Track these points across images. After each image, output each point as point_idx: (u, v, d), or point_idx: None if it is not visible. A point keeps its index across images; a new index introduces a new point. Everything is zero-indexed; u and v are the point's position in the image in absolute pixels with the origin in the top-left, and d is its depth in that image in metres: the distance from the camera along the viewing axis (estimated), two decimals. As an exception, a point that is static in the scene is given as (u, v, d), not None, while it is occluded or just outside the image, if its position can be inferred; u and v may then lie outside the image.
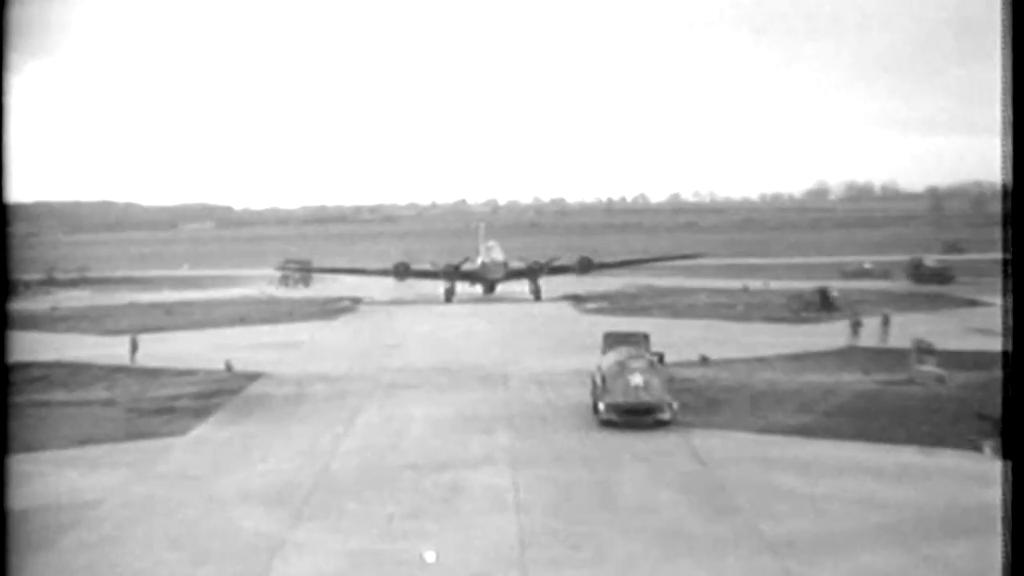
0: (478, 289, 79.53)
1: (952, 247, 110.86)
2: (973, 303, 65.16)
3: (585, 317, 63.47)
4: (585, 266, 79.12)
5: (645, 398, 31.17)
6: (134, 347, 47.58)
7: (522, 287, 78.10)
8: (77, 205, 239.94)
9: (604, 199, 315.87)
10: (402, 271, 78.48)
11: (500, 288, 79.42)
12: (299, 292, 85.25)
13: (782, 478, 25.19)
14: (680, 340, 46.87)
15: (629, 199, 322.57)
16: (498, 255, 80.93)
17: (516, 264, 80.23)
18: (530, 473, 26.11)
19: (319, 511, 23.12)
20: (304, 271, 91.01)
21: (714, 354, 44.51)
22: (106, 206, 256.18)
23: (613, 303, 71.27)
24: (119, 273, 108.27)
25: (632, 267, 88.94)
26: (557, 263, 79.12)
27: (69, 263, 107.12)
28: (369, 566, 19.63)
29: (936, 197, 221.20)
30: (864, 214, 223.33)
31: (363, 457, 28.23)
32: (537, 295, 76.08)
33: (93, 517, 22.82)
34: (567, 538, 20.96)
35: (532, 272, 77.96)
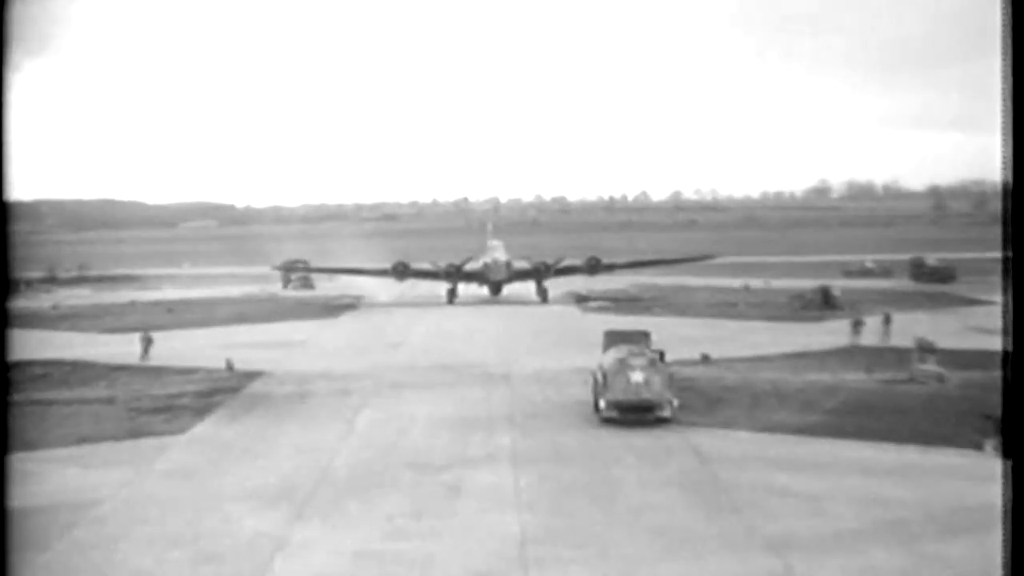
0: (483, 290, 77.39)
1: None
2: (975, 302, 65.11)
3: (588, 316, 63.46)
4: (593, 267, 76.89)
5: (646, 395, 31.21)
6: (148, 344, 47.54)
7: (528, 289, 75.92)
8: (78, 203, 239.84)
9: (606, 197, 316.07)
10: (401, 271, 76.20)
11: (506, 290, 77.11)
12: (300, 292, 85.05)
13: (783, 477, 25.18)
14: (681, 339, 46.88)
15: (631, 197, 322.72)
16: (501, 255, 78.79)
17: (521, 265, 77.79)
18: (531, 471, 26.11)
19: (320, 510, 23.11)
20: (299, 271, 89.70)
21: (715, 353, 44.49)
22: (107, 204, 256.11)
23: (616, 302, 71.17)
24: (120, 271, 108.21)
25: (639, 268, 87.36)
26: (564, 264, 77.01)
27: (70, 261, 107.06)
28: (370, 566, 19.62)
29: (938, 196, 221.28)
30: (866, 213, 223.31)
31: (364, 456, 28.22)
32: (544, 297, 74.23)
33: (93, 516, 22.83)
34: (568, 536, 20.95)
35: (538, 273, 75.83)
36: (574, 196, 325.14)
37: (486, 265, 77.36)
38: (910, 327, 47.92)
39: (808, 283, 71.85)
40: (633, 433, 30.18)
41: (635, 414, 31.19)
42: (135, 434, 31.31)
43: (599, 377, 32.50)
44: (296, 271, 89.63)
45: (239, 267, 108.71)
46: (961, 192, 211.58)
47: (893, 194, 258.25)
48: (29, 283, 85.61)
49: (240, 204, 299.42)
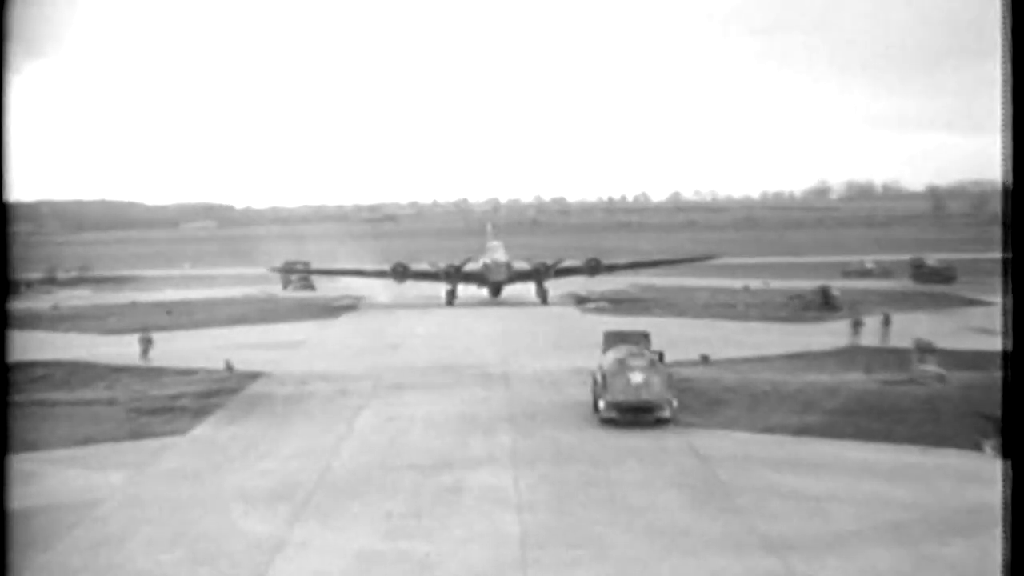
0: (483, 292, 76.97)
1: None
2: (975, 302, 65.15)
3: (587, 317, 63.47)
4: (593, 268, 76.39)
5: (645, 396, 31.23)
6: (147, 345, 47.41)
7: (527, 290, 75.52)
8: (78, 204, 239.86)
9: (605, 198, 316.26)
10: (400, 272, 75.96)
11: (505, 291, 76.72)
12: (300, 293, 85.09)
13: (783, 477, 25.19)
14: (681, 339, 46.88)
15: (630, 198, 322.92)
16: (501, 256, 78.26)
17: (521, 266, 77.27)
18: (531, 472, 26.12)
19: (320, 511, 23.13)
20: (298, 272, 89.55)
21: (715, 353, 44.50)
22: (107, 205, 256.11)
23: (615, 303, 71.13)
24: (120, 272, 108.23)
25: (639, 268, 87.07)
26: (564, 265, 76.59)
27: (70, 262, 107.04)
28: (370, 567, 19.63)
29: (937, 196, 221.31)
30: (865, 214, 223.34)
31: (364, 457, 28.23)
32: (543, 298, 73.78)
33: (94, 517, 22.83)
34: (568, 537, 20.96)
35: (538, 274, 75.30)
36: (574, 197, 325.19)
37: (486, 266, 76.94)
38: (910, 328, 47.95)
39: (808, 284, 71.88)
40: (632, 434, 30.20)
41: (634, 415, 31.22)
42: (135, 435, 31.31)
43: (598, 378, 32.52)
44: (295, 272, 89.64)
45: (239, 268, 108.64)
46: (961, 192, 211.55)
47: (892, 194, 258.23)
48: (29, 284, 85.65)
49: (240, 205, 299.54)
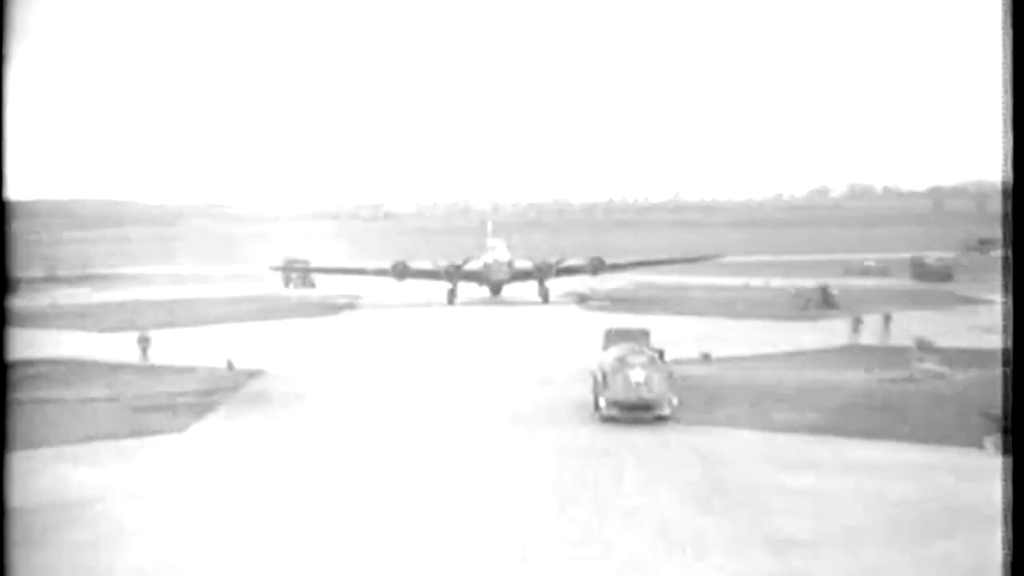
0: (484, 291, 76.59)
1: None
2: (973, 300, 65.30)
3: (589, 316, 63.42)
4: (596, 267, 75.96)
5: (645, 394, 31.24)
6: (146, 345, 47.11)
7: (530, 289, 74.89)
8: (78, 202, 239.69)
9: (606, 198, 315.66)
10: (401, 271, 75.46)
11: (506, 290, 76.29)
12: (301, 291, 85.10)
13: (783, 475, 25.20)
14: (682, 337, 46.87)
15: (631, 198, 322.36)
16: (502, 255, 77.81)
17: (522, 264, 76.62)
18: (531, 470, 26.12)
19: (320, 511, 23.13)
20: (300, 271, 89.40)
21: (715, 351, 44.49)
22: (106, 203, 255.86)
23: (617, 302, 70.99)
24: (119, 270, 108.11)
25: (641, 267, 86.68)
26: (566, 263, 75.98)
27: (70, 260, 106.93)
28: (371, 565, 19.64)
29: (938, 196, 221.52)
30: (863, 214, 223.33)
31: (364, 454, 28.26)
32: (545, 297, 73.24)
33: (93, 514, 22.83)
34: (569, 536, 20.95)
35: (540, 273, 74.69)
36: (574, 197, 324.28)
37: (486, 265, 76.31)
38: (910, 325, 47.99)
39: (808, 282, 71.83)
40: (633, 431, 30.21)
41: (635, 413, 31.24)
42: (136, 432, 31.32)
43: (599, 376, 32.52)
44: (295, 270, 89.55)
45: (239, 266, 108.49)
46: (961, 192, 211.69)
47: (893, 194, 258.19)
48: (28, 282, 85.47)
49: (240, 203, 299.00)
